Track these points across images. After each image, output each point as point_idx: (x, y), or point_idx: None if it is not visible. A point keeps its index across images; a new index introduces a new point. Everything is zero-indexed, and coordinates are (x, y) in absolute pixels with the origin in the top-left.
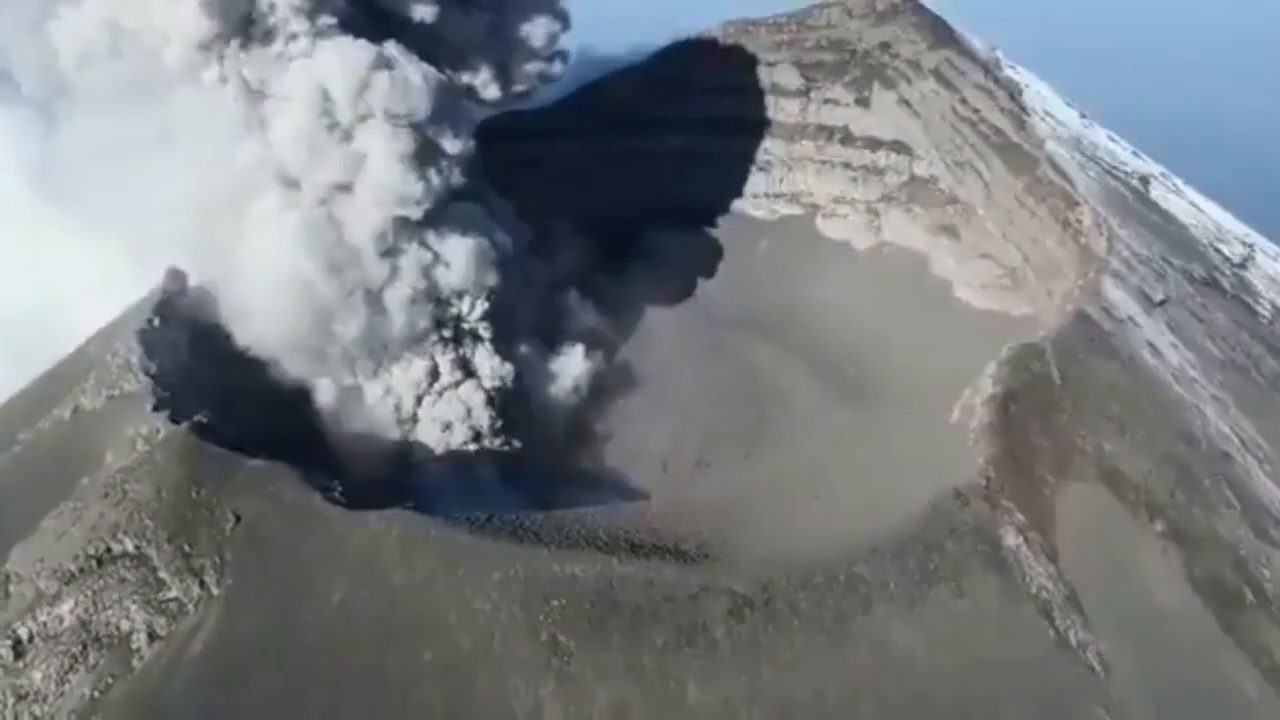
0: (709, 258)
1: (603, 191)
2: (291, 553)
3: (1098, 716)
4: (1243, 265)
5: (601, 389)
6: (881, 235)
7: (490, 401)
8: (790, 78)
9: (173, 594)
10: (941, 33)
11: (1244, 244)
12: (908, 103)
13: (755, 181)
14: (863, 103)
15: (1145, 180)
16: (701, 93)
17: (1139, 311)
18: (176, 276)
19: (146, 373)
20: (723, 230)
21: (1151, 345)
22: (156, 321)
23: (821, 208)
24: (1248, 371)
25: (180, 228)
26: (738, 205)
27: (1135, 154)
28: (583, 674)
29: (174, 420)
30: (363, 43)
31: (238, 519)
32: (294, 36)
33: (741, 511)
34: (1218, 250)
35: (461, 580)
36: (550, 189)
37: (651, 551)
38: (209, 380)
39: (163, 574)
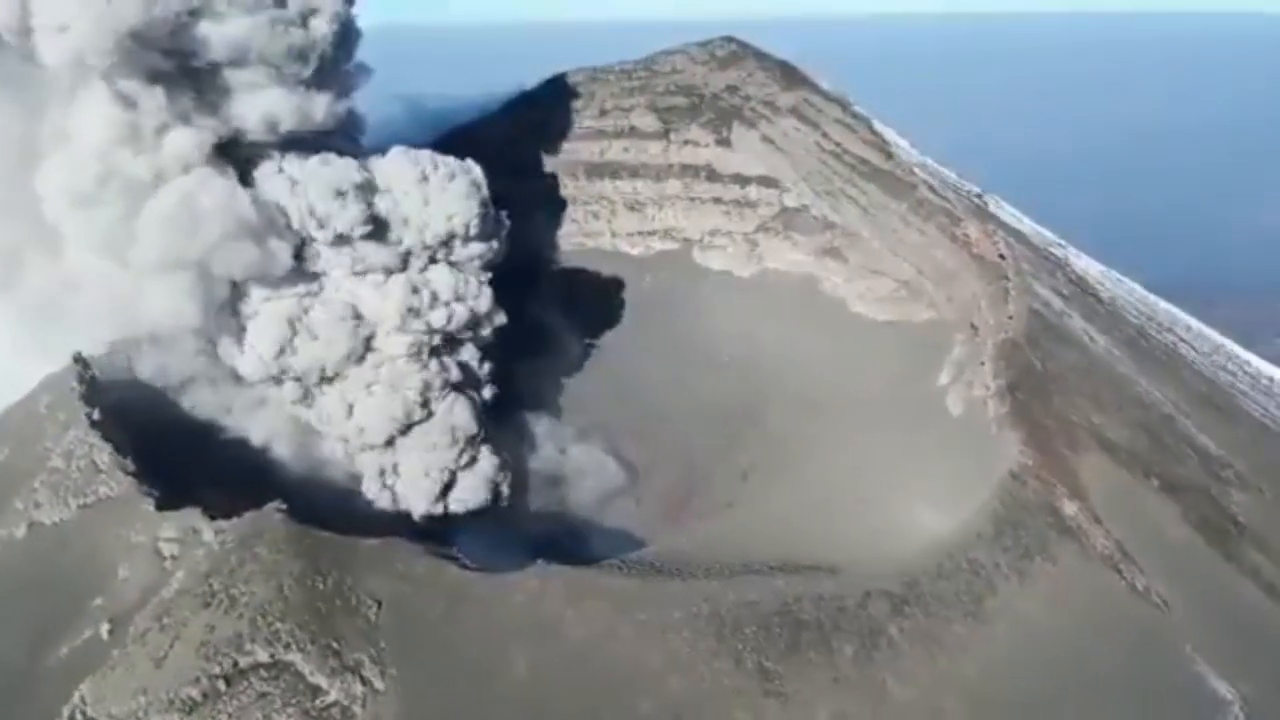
0: (597, 296)
1: None
2: (450, 629)
3: (1185, 650)
4: (1066, 264)
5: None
6: (763, 263)
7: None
8: (648, 121)
9: (332, 697)
10: (792, 75)
11: (1060, 245)
12: (771, 140)
13: (627, 220)
14: (723, 142)
15: (981, 196)
16: (564, 138)
17: (1062, 305)
18: (82, 361)
19: (125, 471)
20: (604, 268)
21: (1086, 332)
22: (97, 414)
23: (696, 241)
24: (1138, 347)
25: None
26: (613, 244)
27: (959, 176)
28: (799, 693)
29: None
30: None
31: (378, 604)
32: None
33: (802, 524)
34: (1053, 251)
35: (646, 624)
36: None
37: (795, 569)
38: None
39: (314, 678)
